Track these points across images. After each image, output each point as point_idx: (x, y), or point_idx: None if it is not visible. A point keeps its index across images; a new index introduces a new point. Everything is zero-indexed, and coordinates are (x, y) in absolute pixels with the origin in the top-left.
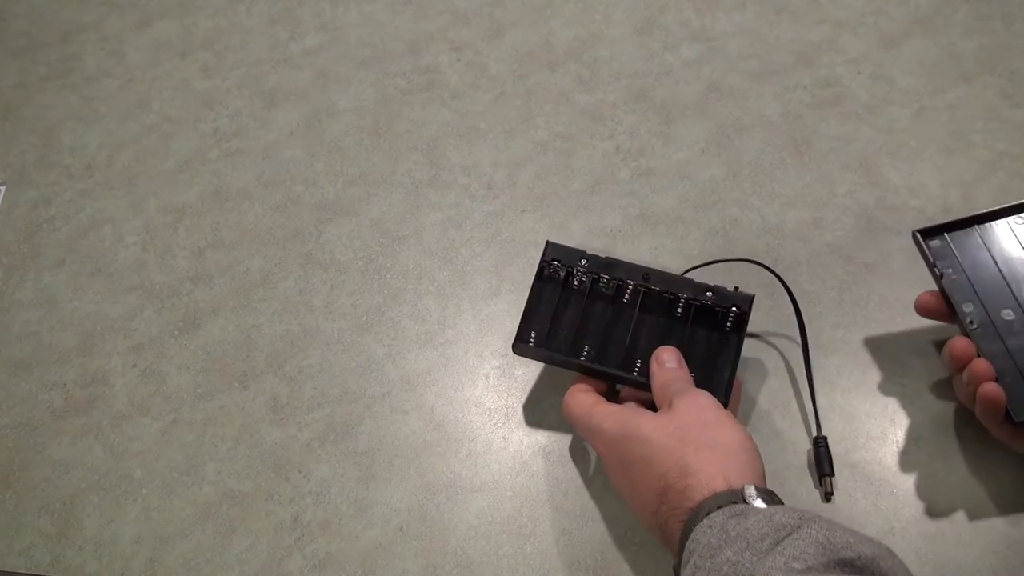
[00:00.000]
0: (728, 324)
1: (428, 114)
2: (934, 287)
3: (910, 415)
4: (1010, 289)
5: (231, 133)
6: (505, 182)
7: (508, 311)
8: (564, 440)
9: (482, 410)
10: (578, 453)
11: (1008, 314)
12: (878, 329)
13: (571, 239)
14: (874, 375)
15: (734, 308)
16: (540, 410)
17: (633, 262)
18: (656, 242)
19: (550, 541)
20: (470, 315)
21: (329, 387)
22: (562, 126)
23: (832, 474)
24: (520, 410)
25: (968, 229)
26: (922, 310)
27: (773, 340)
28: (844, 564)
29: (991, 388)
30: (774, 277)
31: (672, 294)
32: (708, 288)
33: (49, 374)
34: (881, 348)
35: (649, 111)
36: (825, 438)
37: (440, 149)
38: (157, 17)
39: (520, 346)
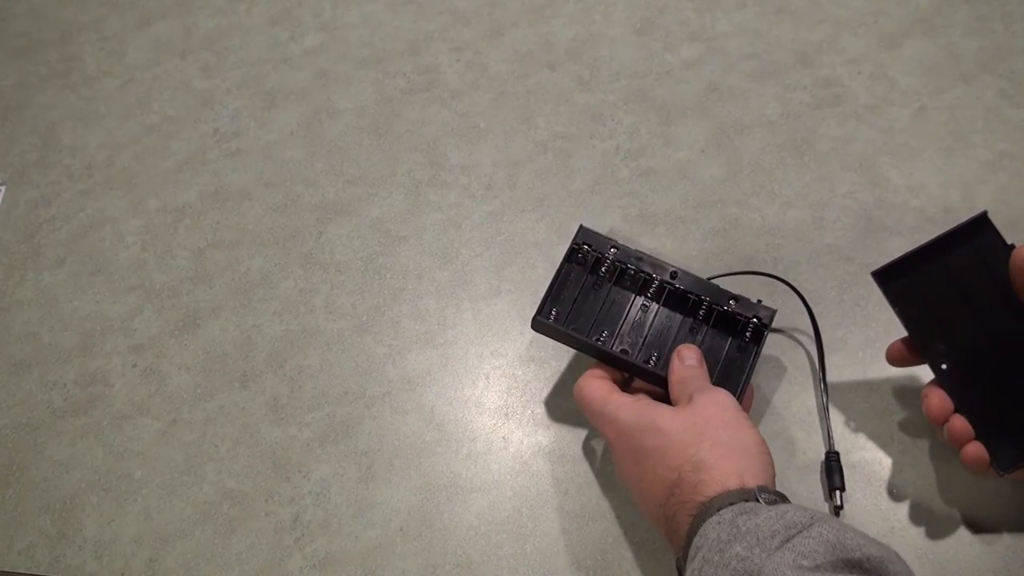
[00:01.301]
0: (748, 333)
1: (428, 114)
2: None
3: (910, 415)
4: (980, 321)
5: (231, 133)
6: (505, 182)
7: (508, 311)
8: (564, 440)
9: (482, 410)
10: (579, 453)
11: (979, 349)
12: (878, 329)
13: (571, 239)
14: (874, 375)
15: (755, 319)
16: (541, 410)
17: (661, 259)
18: (656, 242)
19: (550, 541)
20: (470, 315)
21: (329, 387)
22: (562, 126)
23: (843, 488)
24: (520, 410)
25: (929, 261)
26: (894, 361)
27: (785, 343)
28: (853, 565)
29: (972, 450)
30: (790, 286)
31: (696, 295)
32: (732, 296)
33: (49, 374)
34: (881, 348)
35: (649, 111)
36: (837, 453)
37: (440, 149)
38: (157, 17)
39: (540, 321)
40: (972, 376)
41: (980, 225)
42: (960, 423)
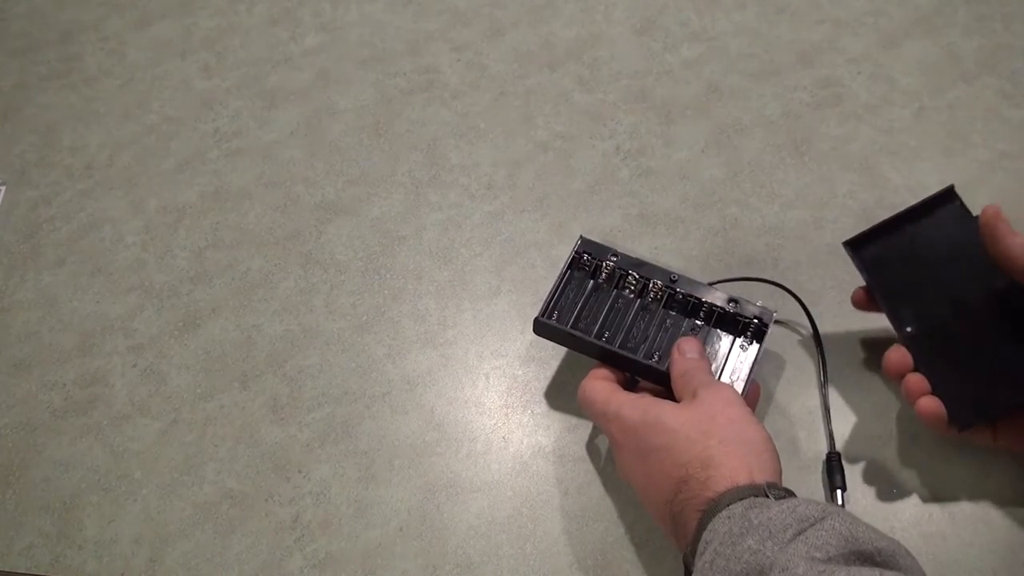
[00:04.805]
0: (749, 333)
1: (428, 114)
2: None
3: (909, 415)
4: (944, 288)
5: (231, 133)
6: (505, 182)
7: (508, 311)
8: (564, 440)
9: (482, 410)
10: (579, 453)
11: (943, 315)
12: (878, 329)
13: (572, 239)
14: (873, 375)
15: (756, 320)
16: (541, 410)
17: (661, 265)
18: (656, 242)
19: (550, 541)
20: (470, 315)
21: (329, 387)
22: (562, 126)
23: (844, 488)
24: (520, 410)
25: (899, 231)
26: (859, 305)
27: (786, 344)
28: (864, 557)
29: (926, 403)
30: (788, 291)
31: (696, 299)
32: (732, 299)
33: (49, 374)
34: (881, 348)
35: (649, 111)
36: (839, 453)
37: (440, 149)
38: (157, 17)
39: (542, 322)
40: (935, 340)
41: (947, 197)
42: (916, 379)
